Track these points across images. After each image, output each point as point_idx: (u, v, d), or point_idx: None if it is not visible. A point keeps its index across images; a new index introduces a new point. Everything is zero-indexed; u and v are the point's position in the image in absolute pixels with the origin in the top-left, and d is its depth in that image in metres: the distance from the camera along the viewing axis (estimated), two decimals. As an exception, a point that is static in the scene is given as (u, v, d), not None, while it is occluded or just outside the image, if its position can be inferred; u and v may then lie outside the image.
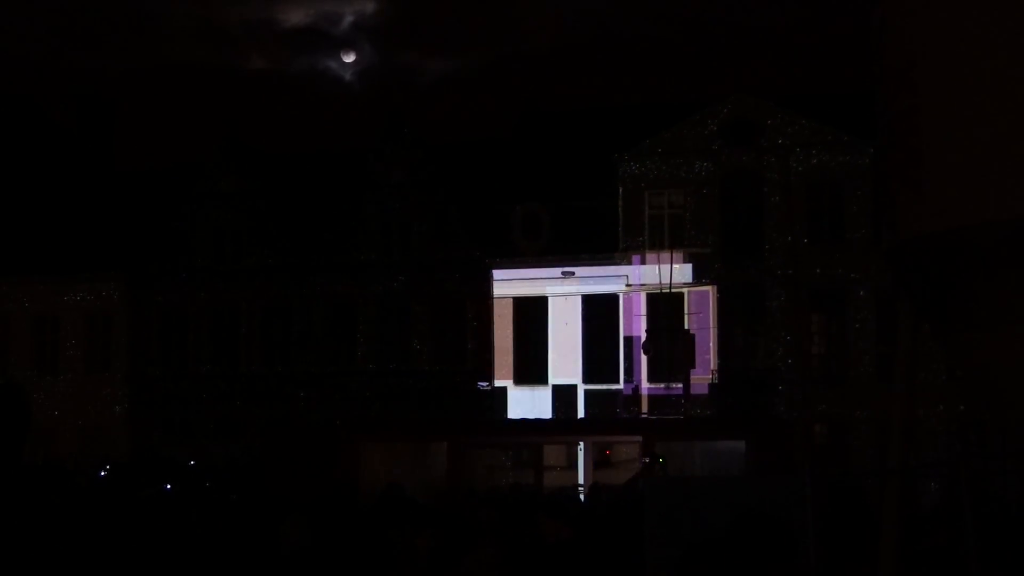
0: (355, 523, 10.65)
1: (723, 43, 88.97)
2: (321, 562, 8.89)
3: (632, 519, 8.69)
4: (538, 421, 34.48)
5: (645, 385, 39.24)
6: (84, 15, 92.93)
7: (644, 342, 39.10)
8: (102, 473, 27.23)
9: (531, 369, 41.08)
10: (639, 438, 26.70)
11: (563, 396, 40.06)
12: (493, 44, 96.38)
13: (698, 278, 39.48)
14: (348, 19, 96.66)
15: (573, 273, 40.32)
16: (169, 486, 19.30)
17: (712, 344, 39.16)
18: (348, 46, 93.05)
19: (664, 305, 39.46)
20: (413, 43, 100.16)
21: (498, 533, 8.86)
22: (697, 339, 38.20)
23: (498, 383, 40.91)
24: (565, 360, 40.72)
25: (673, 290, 38.80)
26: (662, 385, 38.86)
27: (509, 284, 41.05)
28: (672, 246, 39.87)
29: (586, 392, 40.13)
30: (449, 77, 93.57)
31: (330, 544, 9.44)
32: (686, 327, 38.77)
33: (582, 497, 23.66)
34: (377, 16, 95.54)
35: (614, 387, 39.65)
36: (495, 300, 41.28)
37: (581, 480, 29.87)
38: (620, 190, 40.83)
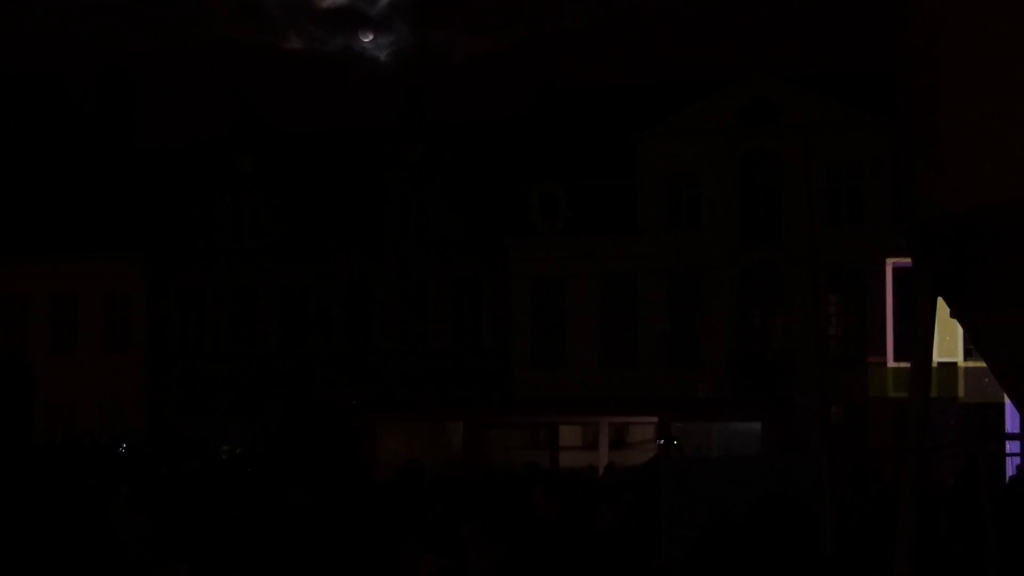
0: (375, 496, 10.64)
1: (743, 23, 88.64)
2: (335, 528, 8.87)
3: (647, 499, 8.66)
4: (554, 401, 34.42)
5: (662, 366, 39.15)
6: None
7: (662, 322, 38.97)
8: (120, 451, 27.34)
9: (549, 349, 41.04)
10: (655, 419, 26.64)
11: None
12: (526, 24, 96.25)
13: (716, 258, 39.36)
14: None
15: (591, 253, 40.20)
16: (181, 463, 19.34)
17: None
18: (384, 26, 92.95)
19: (681, 286, 39.34)
20: (448, 23, 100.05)
21: (500, 510, 8.83)
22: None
23: (515, 363, 40.87)
24: (583, 340, 40.64)
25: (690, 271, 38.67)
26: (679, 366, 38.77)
27: (527, 263, 40.98)
28: (691, 227, 39.72)
29: (604, 373, 40.03)
30: (482, 57, 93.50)
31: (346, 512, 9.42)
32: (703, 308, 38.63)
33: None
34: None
35: (632, 367, 39.57)
36: (513, 279, 41.22)
37: (597, 460, 29.79)
38: (639, 170, 40.69)
